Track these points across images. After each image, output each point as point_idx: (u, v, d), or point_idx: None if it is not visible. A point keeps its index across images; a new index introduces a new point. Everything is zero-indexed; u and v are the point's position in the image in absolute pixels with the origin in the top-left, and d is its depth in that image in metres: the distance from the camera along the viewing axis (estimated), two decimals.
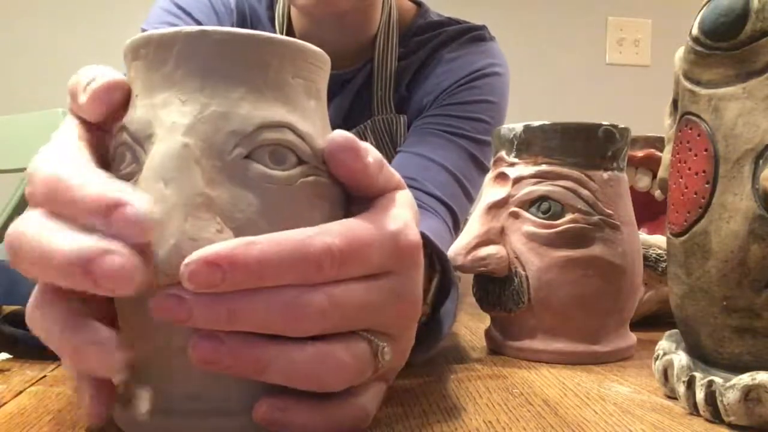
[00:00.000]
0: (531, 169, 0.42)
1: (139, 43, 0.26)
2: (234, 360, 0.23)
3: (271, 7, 0.77)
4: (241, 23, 0.76)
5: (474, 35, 0.78)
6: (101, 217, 0.21)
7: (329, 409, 0.25)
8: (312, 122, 0.27)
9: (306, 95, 0.27)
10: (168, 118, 0.24)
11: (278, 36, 0.27)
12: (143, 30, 0.76)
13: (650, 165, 0.58)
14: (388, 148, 0.74)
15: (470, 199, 0.74)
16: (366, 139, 0.76)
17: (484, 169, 0.76)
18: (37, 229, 0.22)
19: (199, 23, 0.75)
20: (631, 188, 0.52)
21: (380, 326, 0.26)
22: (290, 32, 0.75)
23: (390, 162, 0.54)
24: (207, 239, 0.23)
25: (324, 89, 0.29)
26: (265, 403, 0.24)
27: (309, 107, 0.27)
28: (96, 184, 0.22)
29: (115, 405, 0.26)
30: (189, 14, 0.75)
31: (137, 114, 0.25)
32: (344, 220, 0.26)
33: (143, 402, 0.25)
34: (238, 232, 0.23)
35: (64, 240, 0.21)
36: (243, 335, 0.23)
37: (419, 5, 0.81)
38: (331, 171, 0.27)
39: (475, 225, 0.43)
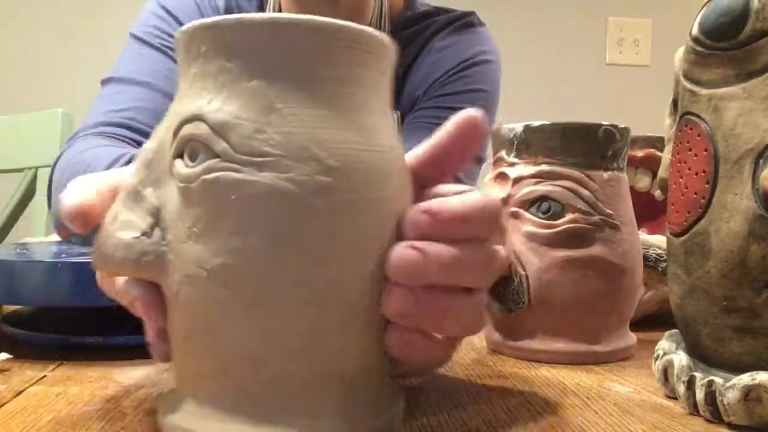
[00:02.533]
0: (531, 169, 0.42)
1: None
2: (423, 311, 0.26)
3: (261, 6, 0.77)
4: None
5: (463, 22, 0.78)
6: None
7: (438, 344, 0.28)
8: None
9: None
10: None
11: None
12: (131, 34, 0.76)
13: (650, 165, 0.58)
14: None
15: None
16: None
17: (479, 160, 0.76)
18: None
19: (182, 25, 0.75)
20: (631, 188, 0.52)
21: None
22: None
23: None
24: None
25: None
26: (395, 331, 0.26)
27: None
28: None
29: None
30: (175, 18, 0.75)
31: None
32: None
33: None
34: None
35: None
36: (429, 289, 0.26)
37: None
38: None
39: None
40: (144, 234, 0.25)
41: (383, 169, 0.26)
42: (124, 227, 0.26)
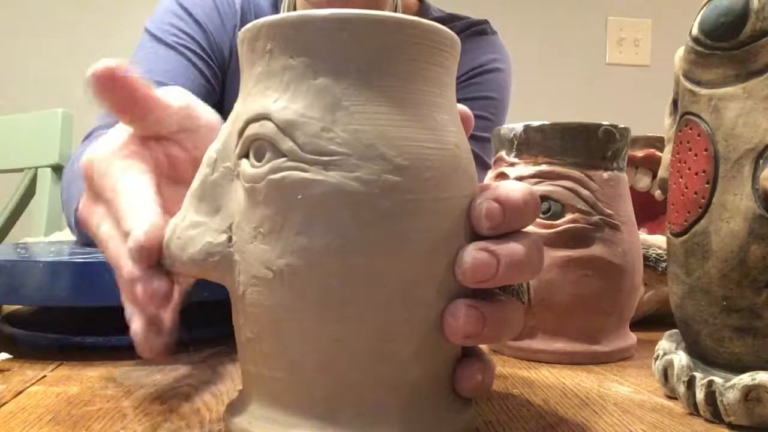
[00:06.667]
0: (531, 169, 0.42)
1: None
2: (488, 329, 0.25)
3: (275, 5, 0.77)
4: (243, 24, 0.77)
5: (475, 30, 0.79)
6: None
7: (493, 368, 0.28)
8: None
9: None
10: None
11: None
12: (147, 30, 0.76)
13: (650, 165, 0.58)
14: None
15: None
16: None
17: (486, 167, 0.77)
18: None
19: (199, 24, 0.75)
20: (631, 188, 0.52)
21: None
22: None
23: None
24: None
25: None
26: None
27: None
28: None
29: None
30: (191, 14, 0.75)
31: None
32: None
33: None
34: None
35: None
36: (492, 304, 0.25)
37: (421, 1, 0.81)
38: None
39: None
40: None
41: (452, 168, 0.25)
42: (190, 228, 0.26)
